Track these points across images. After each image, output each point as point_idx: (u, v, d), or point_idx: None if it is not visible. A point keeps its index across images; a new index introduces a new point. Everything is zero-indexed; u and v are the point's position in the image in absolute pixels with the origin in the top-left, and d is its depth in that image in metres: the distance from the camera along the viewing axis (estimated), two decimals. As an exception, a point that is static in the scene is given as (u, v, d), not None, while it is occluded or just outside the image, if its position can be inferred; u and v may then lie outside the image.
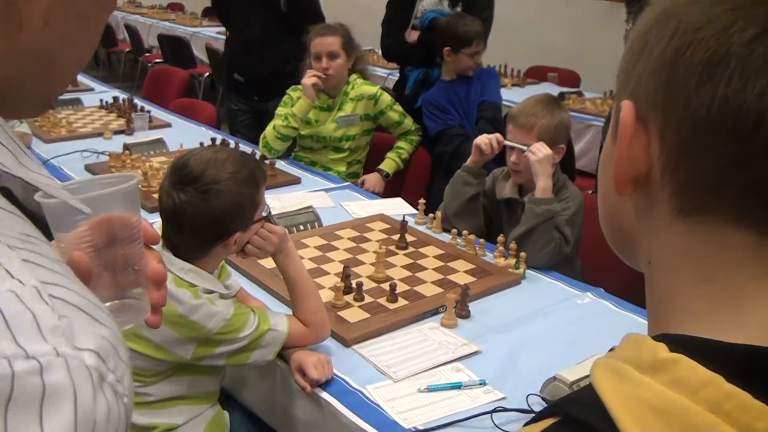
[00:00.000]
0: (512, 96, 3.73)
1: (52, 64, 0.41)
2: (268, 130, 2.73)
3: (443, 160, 2.80)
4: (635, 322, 1.55)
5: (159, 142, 2.81)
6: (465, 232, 1.91)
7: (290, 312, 1.36)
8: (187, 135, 3.03)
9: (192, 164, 1.20)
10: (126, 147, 2.72)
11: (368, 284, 1.66)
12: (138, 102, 3.61)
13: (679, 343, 0.37)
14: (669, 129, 0.39)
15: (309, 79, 2.63)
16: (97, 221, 0.50)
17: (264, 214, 1.29)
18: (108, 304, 0.52)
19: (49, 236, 0.48)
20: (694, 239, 0.40)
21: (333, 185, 2.53)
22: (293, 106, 2.68)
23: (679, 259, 0.41)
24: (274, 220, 1.97)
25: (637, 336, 0.40)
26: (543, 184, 1.77)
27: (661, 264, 0.42)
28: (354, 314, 1.51)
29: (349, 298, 1.58)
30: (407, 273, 1.74)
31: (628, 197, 0.43)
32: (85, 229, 0.49)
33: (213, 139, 2.82)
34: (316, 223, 2.05)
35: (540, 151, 1.80)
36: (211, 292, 1.24)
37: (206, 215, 1.19)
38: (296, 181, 2.52)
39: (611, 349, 0.45)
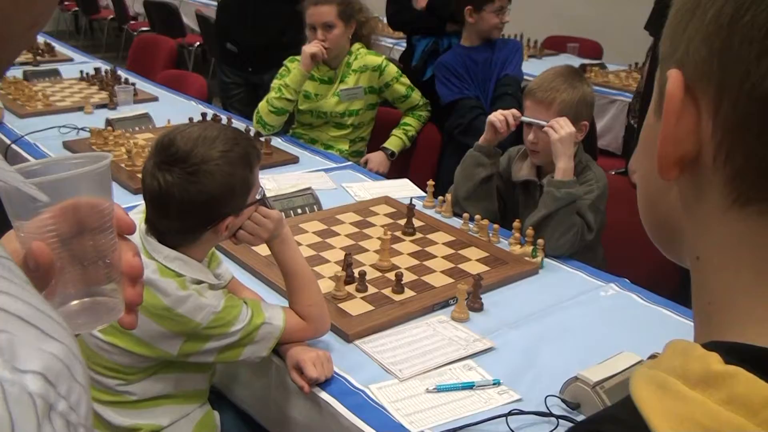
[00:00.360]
0: (529, 68, 3.65)
1: (2, 27, 0.38)
2: (262, 104, 2.71)
3: (454, 133, 2.77)
4: (664, 317, 1.54)
5: (144, 118, 2.79)
6: (477, 216, 1.90)
7: (286, 304, 1.36)
8: (175, 110, 3.01)
9: (178, 142, 1.18)
10: (108, 122, 2.70)
11: (372, 273, 1.65)
12: (122, 74, 3.59)
13: (735, 353, 0.34)
14: (724, 104, 0.37)
15: (310, 47, 2.60)
16: (62, 208, 0.47)
17: (258, 196, 1.28)
18: (75, 302, 0.49)
19: (8, 224, 0.45)
20: (753, 232, 0.37)
21: (334, 165, 2.51)
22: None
23: (734, 255, 0.38)
24: (270, 203, 1.98)
25: (684, 343, 0.37)
26: (564, 165, 1.75)
27: (711, 260, 0.39)
28: (356, 306, 1.50)
29: (350, 288, 1.57)
30: (414, 261, 1.73)
31: (673, 182, 0.41)
32: (48, 216, 0.46)
33: (203, 115, 2.80)
34: (315, 207, 2.04)
35: (562, 128, 1.77)
36: (199, 282, 1.23)
37: (194, 198, 1.17)
38: (294, 160, 2.51)
39: (652, 357, 0.43)
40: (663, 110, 0.39)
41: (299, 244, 1.76)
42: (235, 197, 1.23)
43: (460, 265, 1.71)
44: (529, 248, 1.75)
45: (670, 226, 0.43)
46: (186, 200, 1.17)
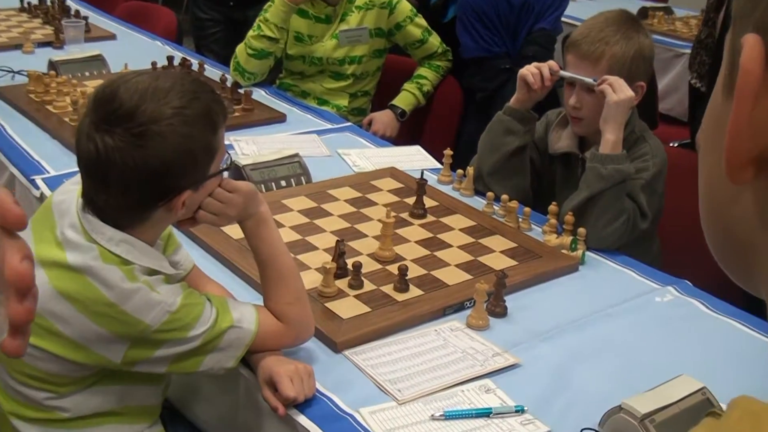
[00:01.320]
0: (574, 11, 3.59)
1: None
2: (240, 47, 2.68)
3: (477, 97, 2.76)
4: (734, 332, 1.52)
5: (97, 61, 2.75)
6: (505, 197, 1.89)
7: (261, 301, 1.35)
8: (136, 51, 2.98)
9: (122, 95, 1.15)
10: (52, 65, 2.66)
11: (370, 265, 1.64)
12: (72, 4, 3.54)
13: None
14: None
15: None
16: None
17: (223, 165, 1.26)
18: None
19: None
20: None
21: (329, 125, 2.51)
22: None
23: None
24: (247, 173, 1.98)
25: (757, 405, 0.35)
26: (613, 136, 1.74)
27: None
28: (348, 307, 1.49)
29: (342, 284, 1.55)
30: (423, 252, 1.73)
31: (746, 186, 0.39)
32: None
33: (170, 58, 2.78)
34: (302, 178, 2.03)
35: (621, 89, 1.73)
36: (151, 272, 1.21)
37: (142, 167, 1.14)
38: (279, 118, 2.51)
39: (710, 414, 0.40)
40: (735, 89, 0.37)
41: (280, 225, 1.75)
42: (195, 166, 1.20)
43: (480, 258, 1.71)
44: (567, 239, 1.73)
45: (740, 244, 0.41)
46: (130, 169, 1.14)
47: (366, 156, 2.27)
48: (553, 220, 1.82)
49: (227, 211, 1.28)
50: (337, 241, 1.60)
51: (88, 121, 1.16)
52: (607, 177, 1.72)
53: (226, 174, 1.29)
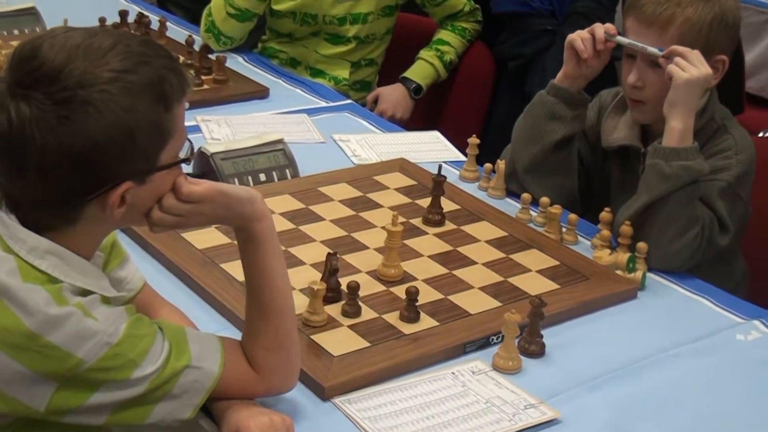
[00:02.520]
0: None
1: None
2: (217, 2, 2.68)
3: (510, 67, 2.75)
4: None
5: (30, 15, 2.74)
6: (545, 200, 1.89)
7: (233, 331, 1.37)
8: (81, 4, 2.95)
9: (45, 52, 1.13)
10: (-27, 21, 2.65)
11: (370, 287, 1.63)
12: (2, -57, 3.51)
13: None
14: None
15: None
16: None
17: (183, 155, 1.24)
18: None
19: None
20: None
21: (323, 103, 2.52)
22: None
23: None
24: (216, 163, 1.97)
25: None
26: (681, 124, 1.73)
27: None
28: (341, 341, 1.48)
29: (333, 310, 1.55)
30: (439, 270, 1.72)
31: None
32: None
33: (123, 14, 2.75)
34: (287, 171, 2.03)
35: (693, 64, 1.72)
36: (86, 292, 1.20)
37: (66, 146, 1.12)
38: (261, 93, 2.51)
39: None
40: None
41: None
42: (136, 150, 1.17)
43: (511, 280, 1.70)
44: (623, 256, 1.72)
45: None
46: (52, 149, 1.11)
47: (369, 144, 2.26)
48: (606, 232, 1.80)
49: (187, 222, 1.27)
50: (329, 254, 1.58)
51: (3, 86, 1.14)
52: (672, 177, 1.71)
53: (189, 168, 1.27)
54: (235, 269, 1.54)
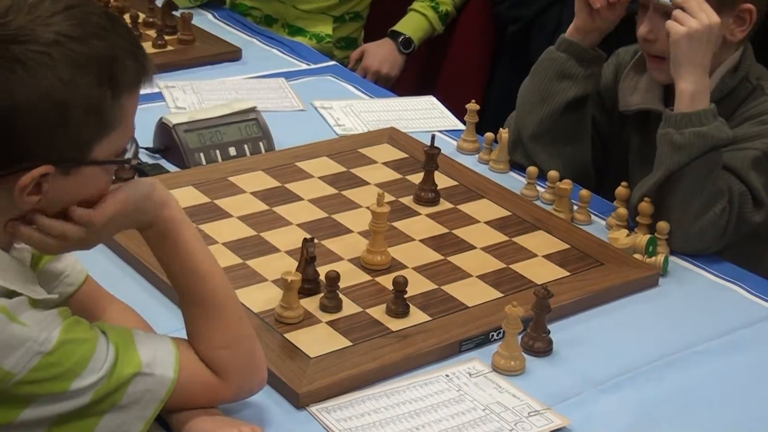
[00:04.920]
0: None
1: None
2: None
3: (509, 31, 2.76)
4: None
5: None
6: (553, 173, 1.90)
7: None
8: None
9: None
10: None
11: (352, 276, 1.63)
12: None
13: None
14: None
15: None
16: None
17: (128, 155, 1.23)
18: None
19: None
20: None
21: (303, 66, 2.52)
22: None
23: None
24: (179, 135, 2.00)
25: None
26: (690, 85, 1.73)
27: None
28: (318, 339, 1.49)
29: (310, 303, 1.55)
30: (432, 256, 1.72)
31: None
32: None
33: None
34: (261, 144, 2.03)
35: (693, 14, 1.71)
36: (10, 293, 1.18)
37: None
38: (232, 54, 2.51)
39: None
40: None
41: (225, 215, 1.76)
42: (66, 130, 1.14)
43: (514, 266, 1.70)
44: (642, 237, 1.72)
45: None
46: None
47: (355, 111, 2.26)
48: (623, 210, 1.80)
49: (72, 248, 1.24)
50: (305, 240, 1.58)
51: None
52: (685, 146, 1.71)
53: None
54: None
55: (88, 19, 1.14)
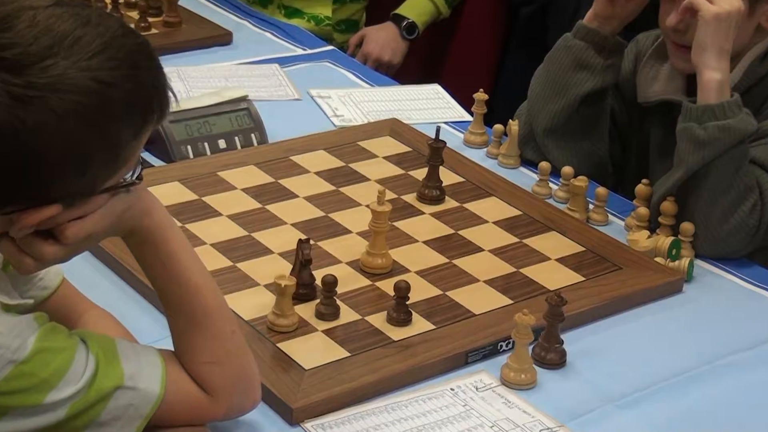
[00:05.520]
0: None
1: None
2: None
3: (522, 14, 2.75)
4: None
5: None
6: (568, 170, 1.90)
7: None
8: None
9: (22, 29, 1.09)
10: None
11: (351, 281, 1.63)
12: None
13: None
14: None
15: None
16: None
17: (134, 176, 1.23)
18: None
19: None
20: None
21: (299, 51, 2.52)
22: None
23: None
24: (165, 127, 2.00)
25: None
26: (718, 73, 1.73)
27: None
28: (314, 349, 1.48)
29: (305, 310, 1.54)
30: (437, 259, 1.72)
31: None
32: None
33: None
34: (253, 136, 2.04)
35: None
36: None
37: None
38: (222, 38, 2.52)
39: None
40: None
41: (213, 214, 1.75)
42: (83, 177, 1.15)
43: (524, 270, 1.70)
44: (665, 240, 1.71)
45: None
46: None
47: (354, 101, 2.25)
48: (643, 210, 1.79)
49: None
50: (301, 241, 1.56)
51: None
52: (709, 142, 1.71)
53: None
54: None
55: (121, 56, 1.13)
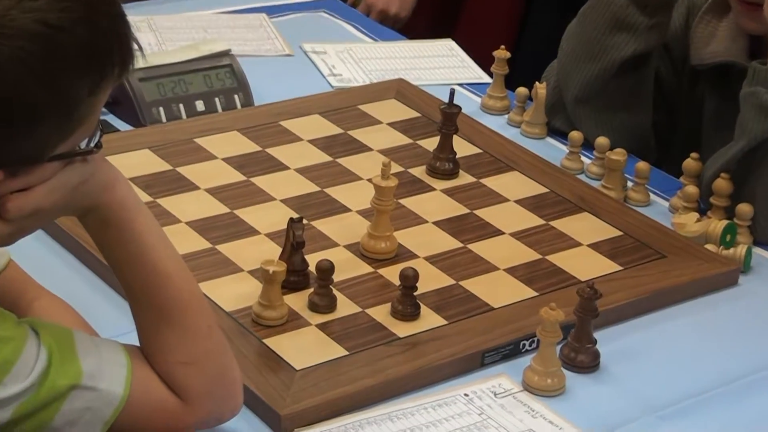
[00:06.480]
0: None
1: None
2: None
3: None
4: None
5: None
6: (603, 141, 1.91)
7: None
8: None
9: None
10: None
11: (350, 267, 1.64)
12: None
13: None
14: None
15: None
16: None
17: (92, 143, 1.22)
18: None
19: None
20: None
21: None
22: None
23: None
24: (133, 86, 2.02)
25: None
26: None
27: None
28: (306, 347, 1.49)
29: (297, 300, 1.55)
30: (449, 242, 1.73)
31: None
32: None
33: None
34: (237, 98, 2.06)
35: None
36: None
37: None
38: None
39: None
40: None
41: (190, 187, 1.76)
42: (30, 137, 1.15)
43: (551, 257, 1.71)
44: (718, 224, 1.72)
45: None
46: None
47: (354, 57, 2.28)
48: (692, 188, 1.80)
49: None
50: (292, 220, 1.56)
51: None
52: None
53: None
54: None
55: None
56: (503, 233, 1.72)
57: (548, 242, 1.71)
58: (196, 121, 1.93)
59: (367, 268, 1.62)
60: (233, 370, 1.31)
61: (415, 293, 1.51)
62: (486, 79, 2.16)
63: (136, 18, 2.20)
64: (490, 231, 1.73)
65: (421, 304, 1.52)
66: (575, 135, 1.91)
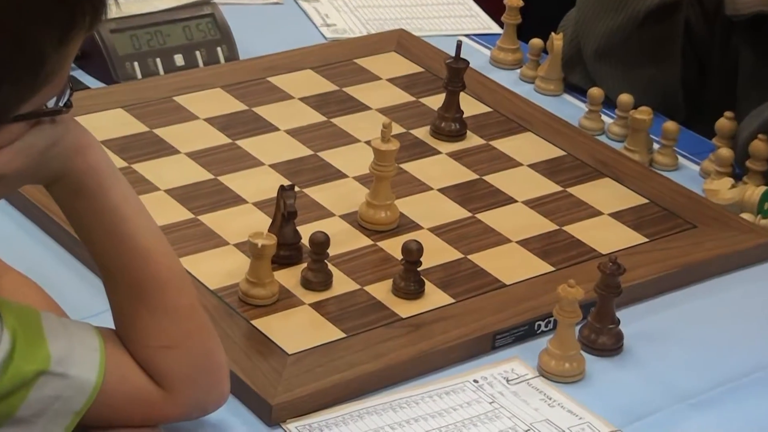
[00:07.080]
0: None
1: None
2: None
3: None
4: None
5: None
6: (626, 98, 1.91)
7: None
8: None
9: None
10: None
11: (347, 240, 1.65)
12: None
13: None
14: None
15: None
16: None
17: (62, 102, 1.22)
18: None
19: None
20: None
21: None
22: None
23: None
24: (104, 39, 2.05)
25: None
26: None
27: None
28: (299, 328, 1.49)
29: (288, 277, 1.56)
30: (456, 212, 1.74)
31: None
32: None
33: None
34: (219, 51, 2.08)
35: None
36: None
37: None
38: None
39: None
40: None
41: (170, 151, 1.77)
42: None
43: (569, 228, 1.71)
44: (755, 190, 1.73)
45: None
46: None
47: (349, 5, 2.31)
48: (725, 151, 1.81)
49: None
50: (282, 188, 1.57)
51: None
52: None
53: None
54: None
55: None
56: (516, 201, 1.73)
57: (565, 211, 1.71)
58: (175, 77, 1.95)
59: (365, 241, 1.63)
60: (218, 355, 1.30)
61: (418, 268, 1.51)
62: (496, 29, 2.17)
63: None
64: (501, 199, 1.73)
65: (426, 281, 1.53)
66: (595, 92, 1.91)
